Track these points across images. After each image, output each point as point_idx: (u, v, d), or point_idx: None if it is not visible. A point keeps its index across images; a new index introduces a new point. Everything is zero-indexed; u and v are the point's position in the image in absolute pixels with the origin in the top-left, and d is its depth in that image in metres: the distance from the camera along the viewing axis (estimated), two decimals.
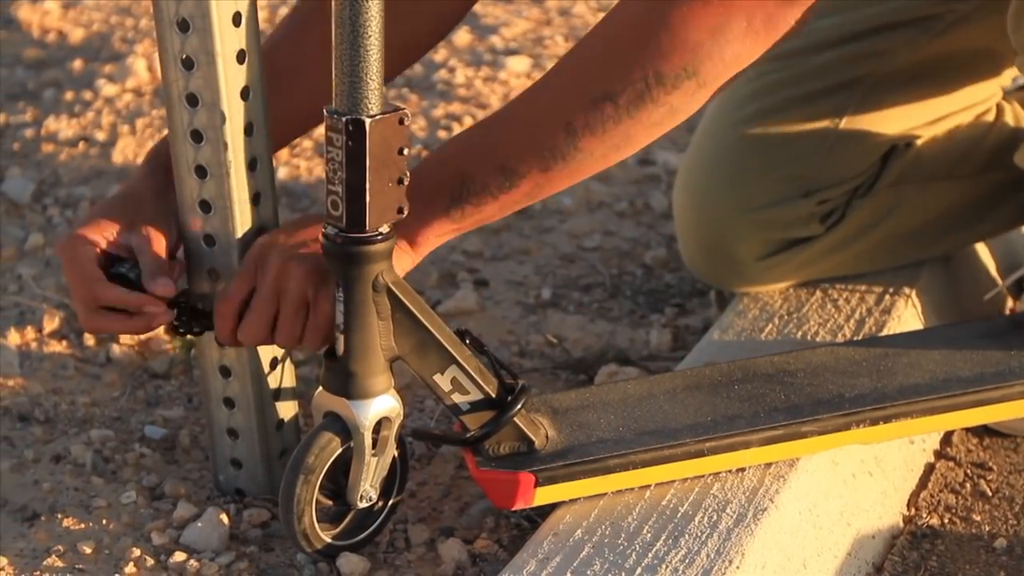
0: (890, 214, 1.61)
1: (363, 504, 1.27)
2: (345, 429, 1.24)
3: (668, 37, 1.21)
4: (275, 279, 1.23)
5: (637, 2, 1.23)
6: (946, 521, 1.41)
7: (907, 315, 1.58)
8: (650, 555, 1.20)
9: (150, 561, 1.27)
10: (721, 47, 1.21)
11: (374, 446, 1.25)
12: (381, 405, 1.24)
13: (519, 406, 1.27)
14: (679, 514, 1.25)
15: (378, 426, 1.25)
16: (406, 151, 1.20)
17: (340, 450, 1.24)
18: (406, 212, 1.22)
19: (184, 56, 1.22)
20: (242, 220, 1.27)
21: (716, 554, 1.19)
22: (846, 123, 1.58)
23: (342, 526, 1.28)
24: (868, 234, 1.61)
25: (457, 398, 1.26)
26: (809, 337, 1.53)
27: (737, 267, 1.61)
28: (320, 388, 1.26)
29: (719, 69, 1.22)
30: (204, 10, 1.20)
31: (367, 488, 1.26)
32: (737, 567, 1.18)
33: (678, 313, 1.74)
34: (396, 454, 1.28)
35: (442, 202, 1.26)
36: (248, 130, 1.26)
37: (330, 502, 1.28)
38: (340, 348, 1.23)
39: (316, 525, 1.25)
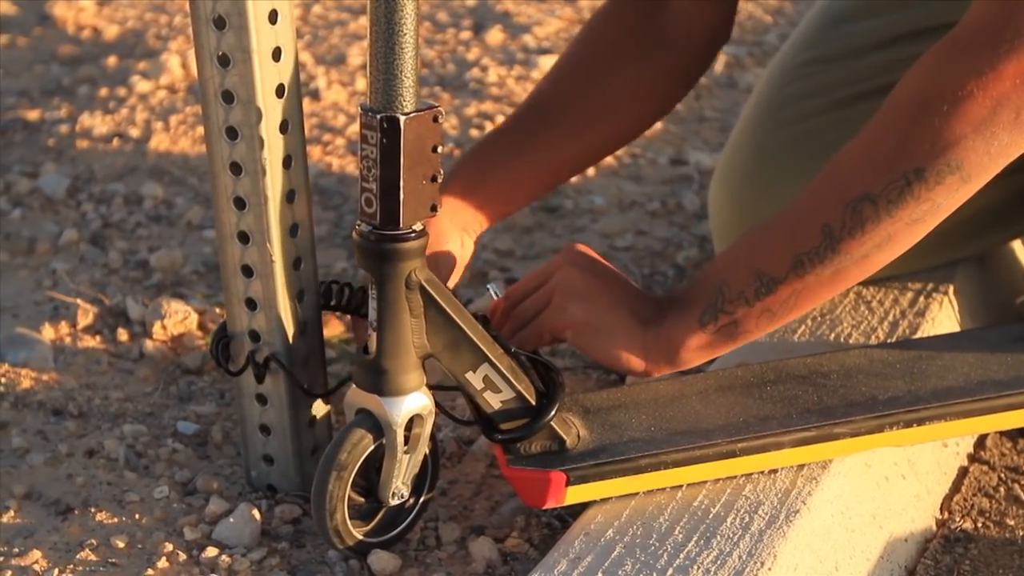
0: None
1: (395, 501, 1.27)
2: (377, 426, 1.24)
3: (930, 134, 1.18)
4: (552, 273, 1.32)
5: (898, 100, 1.21)
6: (979, 525, 1.40)
7: (941, 317, 1.57)
8: (681, 556, 1.19)
9: (182, 556, 1.28)
10: (987, 140, 1.18)
11: (406, 443, 1.25)
12: (413, 403, 1.24)
13: (553, 411, 1.26)
14: (711, 515, 1.24)
15: (410, 423, 1.25)
16: (440, 149, 1.20)
17: (372, 447, 1.24)
18: (439, 210, 1.22)
19: (220, 53, 1.23)
20: (276, 217, 1.28)
21: (748, 555, 1.19)
22: None
23: (373, 523, 1.28)
24: None
25: (489, 397, 1.26)
26: (842, 339, 1.52)
27: None
28: (352, 385, 1.26)
29: (984, 162, 1.19)
30: (240, 7, 1.21)
31: (399, 485, 1.27)
32: (769, 569, 1.18)
33: None
34: (427, 451, 1.28)
35: (696, 309, 1.26)
36: (283, 127, 1.26)
37: (362, 499, 1.28)
38: (372, 345, 1.23)
39: (348, 522, 1.25)
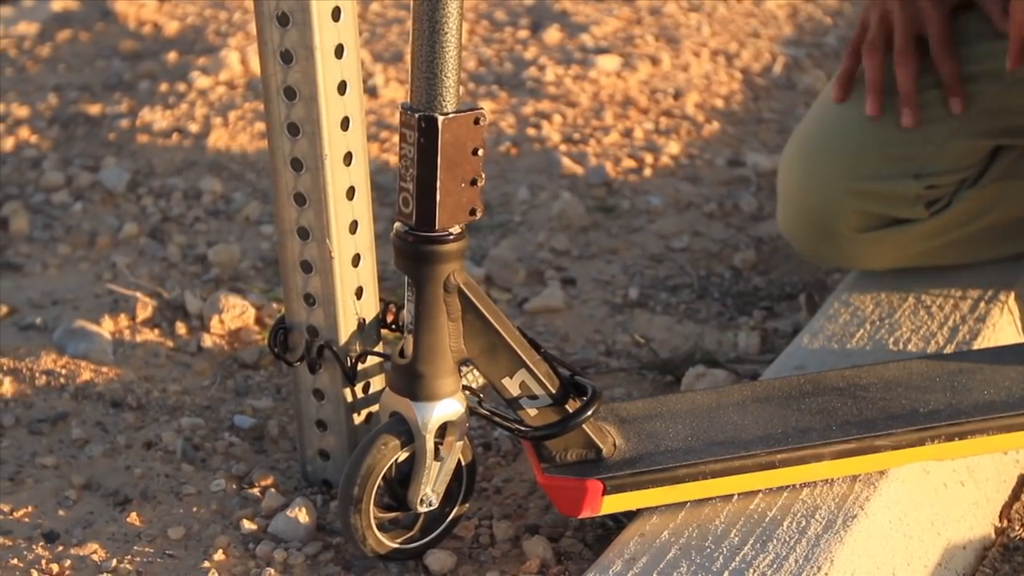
0: (993, 207, 1.60)
1: (423, 508, 1.26)
2: (408, 431, 1.22)
3: None
4: None
5: None
6: None
7: (1002, 323, 1.56)
8: (737, 559, 1.19)
9: (238, 549, 1.28)
10: None
11: (437, 450, 1.24)
12: (446, 409, 1.22)
13: (590, 412, 1.24)
14: (767, 519, 1.24)
15: (442, 430, 1.24)
16: (481, 152, 1.18)
17: (401, 453, 1.23)
18: (479, 214, 1.20)
19: (283, 50, 1.23)
20: (336, 213, 1.28)
21: (804, 560, 1.18)
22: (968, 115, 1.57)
23: (410, 531, 1.27)
24: (969, 224, 1.60)
25: (525, 402, 1.24)
26: (901, 344, 1.51)
27: (833, 237, 1.60)
28: (386, 388, 1.25)
29: None
30: (304, 5, 1.21)
31: (428, 492, 1.25)
32: (826, 574, 1.17)
33: (766, 316, 1.73)
34: (465, 460, 1.27)
35: None
36: (344, 124, 1.26)
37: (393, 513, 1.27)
38: (408, 348, 1.22)
39: (379, 535, 1.24)
